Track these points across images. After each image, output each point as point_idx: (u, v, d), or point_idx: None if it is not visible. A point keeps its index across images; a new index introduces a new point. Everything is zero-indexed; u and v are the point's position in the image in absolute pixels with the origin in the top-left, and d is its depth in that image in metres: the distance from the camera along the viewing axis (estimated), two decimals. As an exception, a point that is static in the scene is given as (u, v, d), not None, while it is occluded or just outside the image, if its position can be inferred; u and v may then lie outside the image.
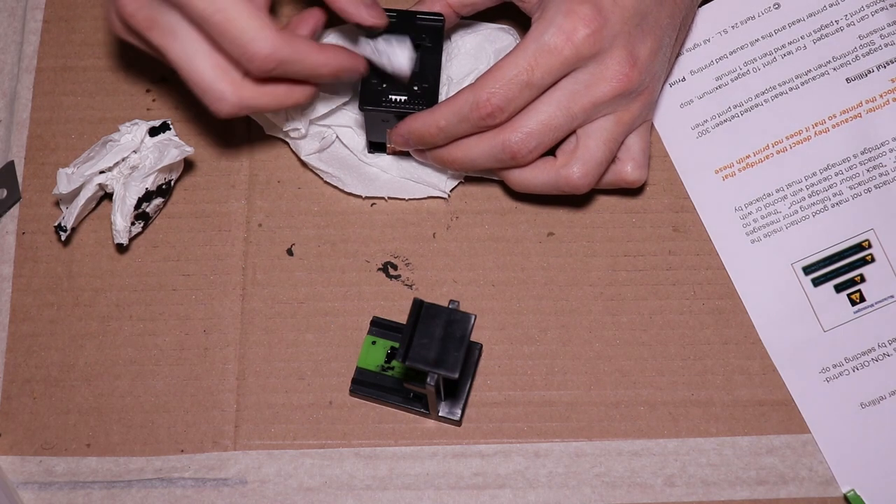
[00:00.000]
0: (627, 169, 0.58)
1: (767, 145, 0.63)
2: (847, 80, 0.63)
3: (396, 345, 0.60)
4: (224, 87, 0.53)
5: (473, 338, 0.60)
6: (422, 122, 0.56)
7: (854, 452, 0.58)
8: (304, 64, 0.53)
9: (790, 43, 0.64)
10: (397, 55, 0.57)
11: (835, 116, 0.62)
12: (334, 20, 0.59)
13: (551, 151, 0.58)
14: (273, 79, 0.54)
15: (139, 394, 0.60)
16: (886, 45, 0.63)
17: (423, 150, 0.59)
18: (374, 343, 0.60)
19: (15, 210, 0.63)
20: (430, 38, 0.58)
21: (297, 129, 0.61)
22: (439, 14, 0.59)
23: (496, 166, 0.58)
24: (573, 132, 0.57)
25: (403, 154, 0.62)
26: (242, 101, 0.53)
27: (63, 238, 0.61)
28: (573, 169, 0.56)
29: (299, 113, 0.61)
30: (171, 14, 0.52)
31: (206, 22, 0.51)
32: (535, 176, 0.58)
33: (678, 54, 0.64)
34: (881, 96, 0.62)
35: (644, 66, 0.55)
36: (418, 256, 0.62)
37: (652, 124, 0.63)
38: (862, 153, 0.62)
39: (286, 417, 0.59)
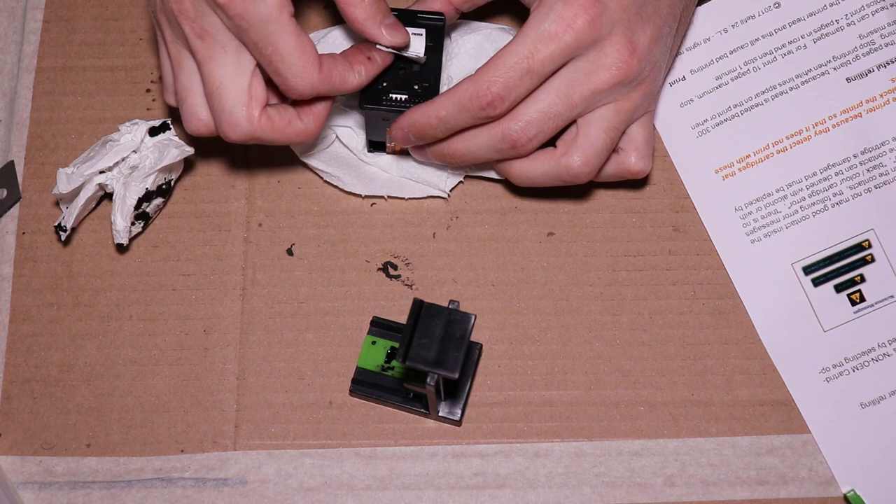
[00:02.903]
0: (631, 159, 0.58)
1: (767, 145, 0.63)
2: (847, 79, 0.63)
3: (396, 345, 0.60)
4: (242, 116, 0.54)
5: (473, 338, 0.60)
6: (422, 113, 0.56)
7: (854, 452, 0.59)
8: (340, 92, 0.56)
9: (790, 42, 0.64)
10: (413, 40, 0.58)
11: (835, 116, 0.62)
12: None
13: (552, 143, 0.58)
14: (289, 109, 0.56)
15: (139, 394, 0.60)
16: (887, 45, 0.63)
17: (423, 148, 0.59)
18: (374, 343, 0.60)
19: (15, 210, 0.63)
20: (431, 37, 0.58)
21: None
22: (440, 13, 0.59)
23: (497, 157, 0.58)
24: (574, 122, 0.57)
25: (403, 153, 0.62)
26: (254, 132, 0.55)
27: (63, 238, 0.61)
28: (574, 157, 0.56)
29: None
30: (227, 34, 0.53)
31: (258, 51, 0.53)
32: (536, 167, 0.57)
33: (679, 49, 0.64)
34: (881, 96, 0.62)
35: (644, 53, 0.55)
36: (418, 256, 0.62)
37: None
38: (862, 153, 0.62)
39: (286, 417, 0.59)
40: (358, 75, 0.56)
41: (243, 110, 0.54)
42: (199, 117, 0.56)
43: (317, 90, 0.54)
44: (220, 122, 0.55)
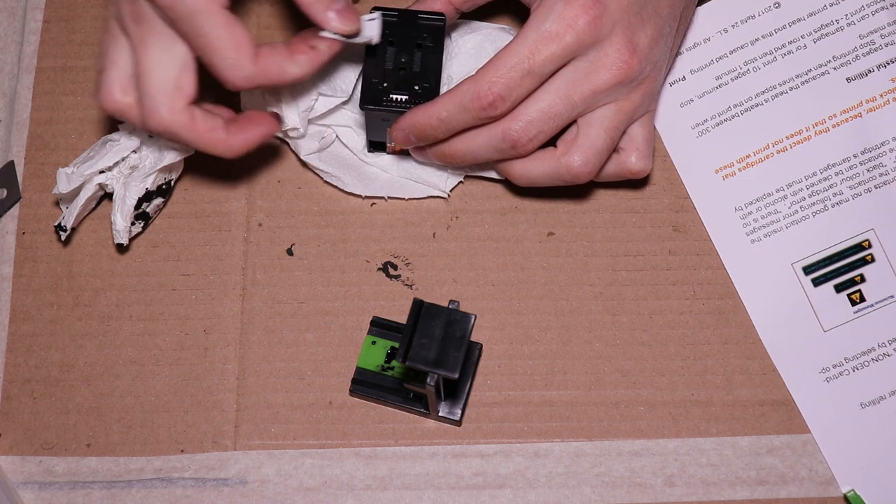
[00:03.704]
0: (632, 159, 0.58)
1: (767, 145, 0.63)
2: (847, 79, 0.63)
3: (396, 345, 0.60)
4: (163, 104, 0.53)
5: (473, 338, 0.60)
6: (423, 114, 0.56)
7: (854, 452, 0.59)
8: (281, 83, 0.54)
9: (790, 42, 0.64)
10: (366, 25, 0.55)
11: (835, 116, 0.62)
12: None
13: (552, 143, 0.58)
14: (218, 119, 0.56)
15: (139, 394, 0.60)
16: (887, 45, 0.63)
17: (423, 148, 0.59)
18: (374, 343, 0.60)
19: (15, 210, 0.63)
20: (431, 37, 0.58)
21: (297, 129, 0.61)
22: (440, 13, 0.59)
23: (497, 157, 0.58)
24: (574, 122, 0.57)
25: (403, 153, 0.62)
26: (171, 125, 0.54)
27: (63, 238, 0.61)
28: (574, 157, 0.56)
29: (297, 112, 0.61)
30: (161, 22, 0.53)
31: (190, 42, 0.52)
32: (537, 167, 0.58)
33: (679, 48, 0.64)
34: (881, 96, 0.62)
35: (644, 53, 0.55)
36: (418, 256, 0.62)
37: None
38: (862, 153, 0.62)
39: (286, 417, 0.59)
40: (299, 66, 0.54)
41: (165, 99, 0.53)
42: (111, 92, 0.55)
43: (253, 81, 0.53)
44: (142, 106, 0.54)
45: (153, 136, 0.59)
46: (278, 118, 0.58)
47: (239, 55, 0.52)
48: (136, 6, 0.52)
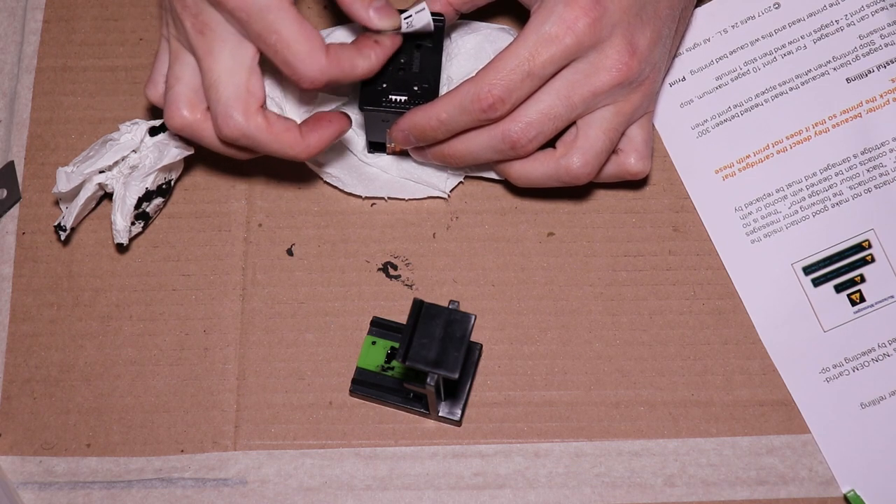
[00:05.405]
0: (631, 160, 0.58)
1: (767, 145, 0.63)
2: (847, 79, 0.63)
3: (396, 345, 0.60)
4: (237, 109, 0.54)
5: (473, 338, 0.60)
6: (422, 115, 0.56)
7: (854, 452, 0.59)
8: (351, 78, 0.55)
9: (790, 43, 0.64)
10: (417, 16, 0.57)
11: (835, 116, 0.62)
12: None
13: (552, 144, 0.58)
14: (291, 121, 0.56)
15: (139, 394, 0.60)
16: (886, 45, 0.63)
17: (423, 148, 0.59)
18: (374, 343, 0.60)
19: (15, 210, 0.63)
20: (430, 38, 0.58)
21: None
22: (440, 14, 0.59)
23: (497, 158, 0.58)
24: (573, 123, 0.57)
25: (403, 154, 0.62)
26: (247, 128, 0.54)
27: (63, 238, 0.61)
28: (573, 159, 0.56)
29: (298, 112, 0.61)
30: (227, 28, 0.53)
31: (262, 42, 0.53)
32: (536, 168, 0.58)
33: (678, 49, 0.64)
34: (881, 96, 0.62)
35: (644, 55, 0.55)
36: (418, 256, 0.62)
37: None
38: (862, 153, 0.62)
39: (286, 417, 0.59)
40: (367, 59, 0.55)
41: (239, 104, 0.54)
42: (179, 109, 0.55)
43: (327, 75, 0.53)
44: (215, 114, 0.54)
45: (228, 144, 0.58)
46: (348, 117, 0.57)
47: (312, 49, 0.52)
48: (201, 17, 0.53)
